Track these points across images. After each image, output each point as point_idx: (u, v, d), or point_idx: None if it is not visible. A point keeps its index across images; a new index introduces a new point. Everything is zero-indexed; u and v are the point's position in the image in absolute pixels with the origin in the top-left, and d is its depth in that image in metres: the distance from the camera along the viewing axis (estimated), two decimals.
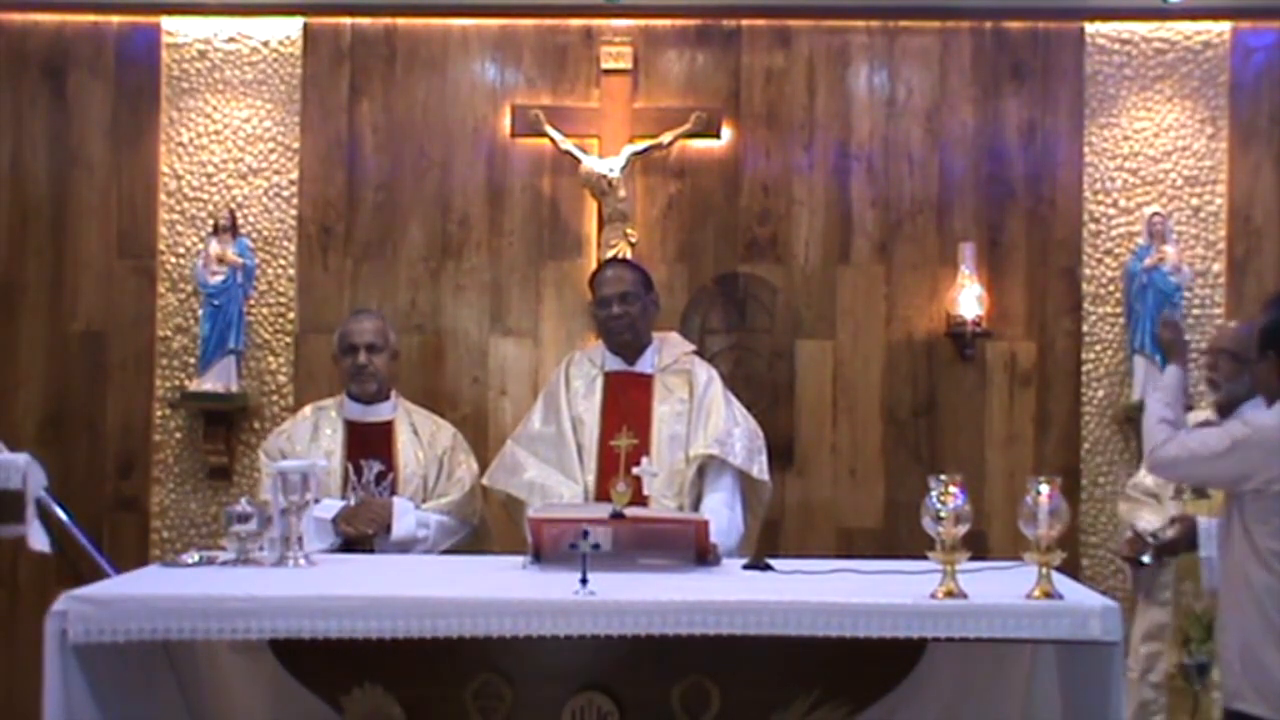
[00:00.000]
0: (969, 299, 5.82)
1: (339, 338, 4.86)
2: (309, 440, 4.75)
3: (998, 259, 5.94)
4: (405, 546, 4.59)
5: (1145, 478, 4.82)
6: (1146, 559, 4.58)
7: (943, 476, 3.38)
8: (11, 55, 6.00)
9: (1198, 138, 5.92)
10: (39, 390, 5.96)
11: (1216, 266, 5.90)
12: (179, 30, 5.96)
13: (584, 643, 3.34)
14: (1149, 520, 4.67)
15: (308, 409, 4.95)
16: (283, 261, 5.96)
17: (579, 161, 5.83)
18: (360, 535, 4.56)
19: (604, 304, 4.67)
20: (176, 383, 5.90)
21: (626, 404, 4.66)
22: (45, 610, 3.34)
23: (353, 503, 4.65)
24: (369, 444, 4.77)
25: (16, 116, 6.00)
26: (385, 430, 4.81)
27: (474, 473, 4.86)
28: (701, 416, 4.62)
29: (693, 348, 4.89)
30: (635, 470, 4.34)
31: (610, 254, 5.72)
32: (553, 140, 5.85)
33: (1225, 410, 4.58)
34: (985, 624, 3.29)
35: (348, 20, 6.00)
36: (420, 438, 4.83)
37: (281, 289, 5.96)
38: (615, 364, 4.73)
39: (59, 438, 5.89)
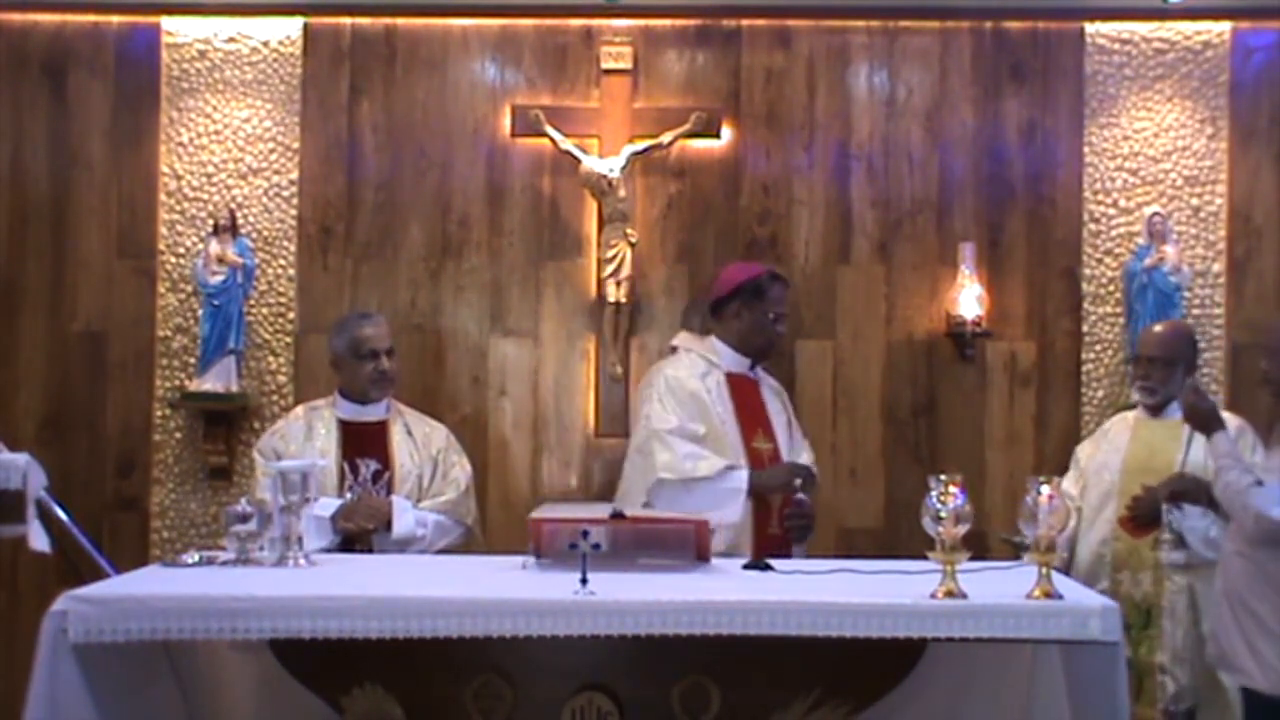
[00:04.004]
0: (969, 299, 5.82)
1: (353, 342, 4.81)
2: (303, 439, 4.75)
3: (998, 259, 5.94)
4: (404, 545, 4.59)
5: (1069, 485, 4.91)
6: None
7: (943, 476, 3.39)
8: (11, 55, 5.99)
9: (1198, 138, 5.92)
10: (39, 390, 5.96)
11: (1216, 266, 5.90)
12: (179, 30, 5.96)
13: (584, 642, 3.35)
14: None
15: (300, 409, 4.96)
16: (283, 261, 5.95)
17: (579, 161, 5.83)
18: (360, 531, 4.57)
19: (782, 319, 4.92)
20: (176, 383, 5.89)
21: (750, 407, 4.85)
22: (45, 610, 3.34)
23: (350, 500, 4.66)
24: (363, 443, 4.77)
25: (16, 116, 6.00)
26: (379, 430, 4.82)
27: (468, 473, 4.87)
28: (795, 429, 5.00)
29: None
30: None
31: (610, 254, 5.75)
32: (553, 140, 5.85)
33: (1156, 412, 4.86)
34: (985, 624, 3.30)
35: (348, 20, 5.99)
36: (414, 438, 4.84)
37: (281, 289, 5.95)
38: (737, 365, 4.90)
39: (59, 438, 5.89)
